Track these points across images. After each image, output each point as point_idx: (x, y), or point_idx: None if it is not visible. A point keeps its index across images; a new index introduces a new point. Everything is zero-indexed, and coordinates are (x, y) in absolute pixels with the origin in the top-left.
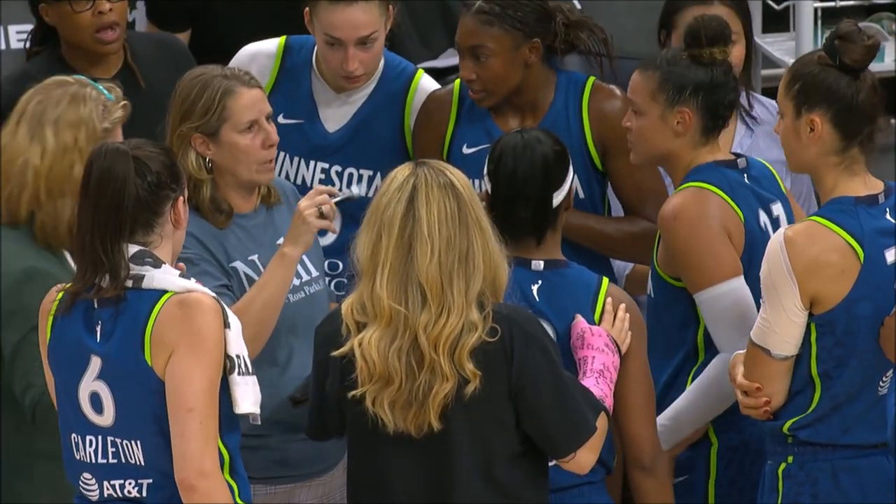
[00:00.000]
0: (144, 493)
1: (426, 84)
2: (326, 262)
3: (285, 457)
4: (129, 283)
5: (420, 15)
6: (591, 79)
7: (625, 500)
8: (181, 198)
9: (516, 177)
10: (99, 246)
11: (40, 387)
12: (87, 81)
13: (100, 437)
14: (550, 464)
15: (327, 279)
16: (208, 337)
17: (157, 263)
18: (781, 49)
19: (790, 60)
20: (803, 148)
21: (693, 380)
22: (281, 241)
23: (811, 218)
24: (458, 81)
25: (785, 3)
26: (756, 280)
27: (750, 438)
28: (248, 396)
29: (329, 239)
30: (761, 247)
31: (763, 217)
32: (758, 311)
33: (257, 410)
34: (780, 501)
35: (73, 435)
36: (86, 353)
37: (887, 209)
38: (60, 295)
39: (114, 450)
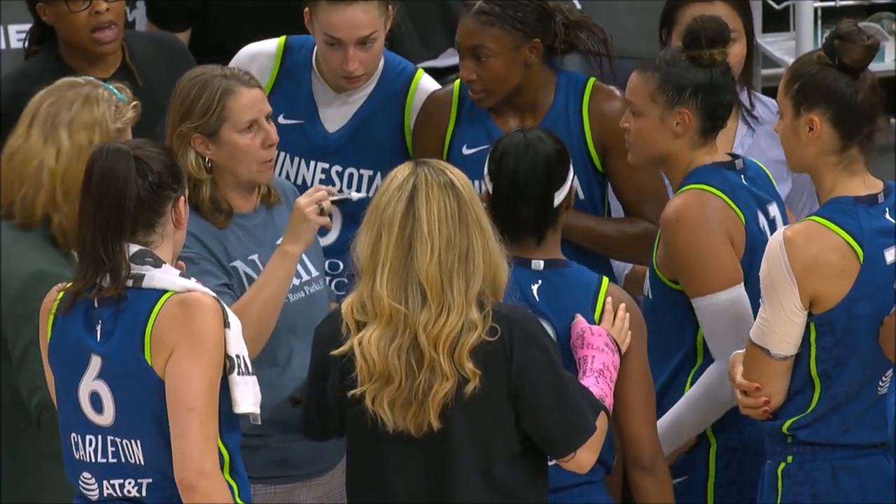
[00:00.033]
0: (144, 493)
1: (426, 84)
2: (327, 262)
3: (285, 457)
4: (130, 283)
5: (420, 15)
6: (592, 79)
7: (625, 500)
8: (182, 198)
9: (518, 176)
10: (100, 246)
11: (47, 389)
12: (98, 82)
13: (99, 437)
14: (550, 463)
15: (328, 279)
16: (208, 337)
17: (157, 263)
18: (781, 49)
19: (790, 60)
20: (802, 147)
21: (692, 382)
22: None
23: (810, 218)
24: (457, 82)
25: (785, 3)
26: (757, 282)
27: (749, 438)
28: (247, 396)
29: (329, 239)
30: (761, 248)
31: (761, 218)
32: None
33: (257, 410)
34: (779, 501)
35: (73, 434)
36: (86, 352)
37: (887, 209)
38: (61, 294)
39: (113, 449)
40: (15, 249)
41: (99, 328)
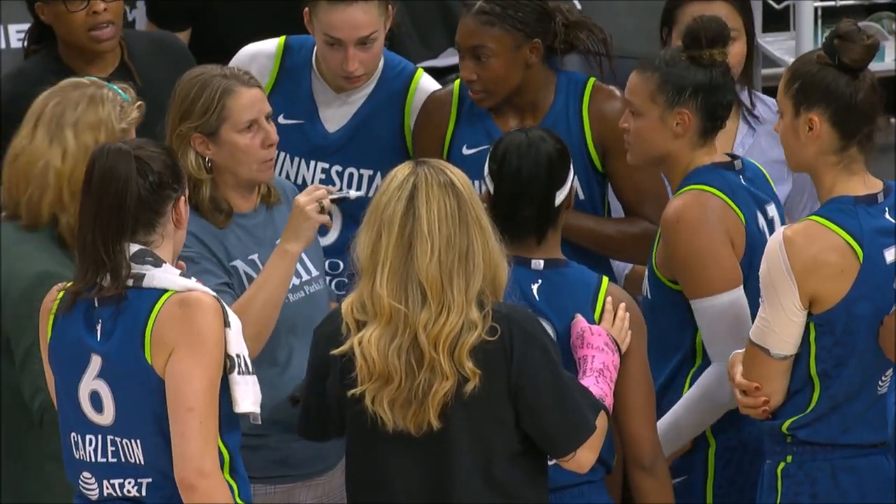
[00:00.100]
0: (144, 493)
1: (426, 83)
2: (327, 262)
3: (285, 456)
4: (130, 282)
5: (420, 15)
6: (592, 80)
7: (625, 500)
8: (182, 198)
9: (521, 175)
10: (100, 245)
11: (49, 390)
12: (102, 83)
13: (99, 436)
14: (550, 463)
15: (328, 279)
16: (208, 336)
17: (157, 263)
18: (781, 48)
19: (790, 60)
20: (802, 147)
21: (690, 383)
22: None
23: (810, 217)
24: (457, 82)
25: (785, 3)
26: (757, 282)
27: (748, 438)
28: (248, 396)
29: (330, 239)
30: (761, 249)
31: (760, 219)
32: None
33: (257, 410)
34: (778, 501)
35: (73, 434)
36: (86, 351)
37: (886, 208)
38: (61, 294)
39: (113, 449)
40: (20, 250)
41: (99, 328)
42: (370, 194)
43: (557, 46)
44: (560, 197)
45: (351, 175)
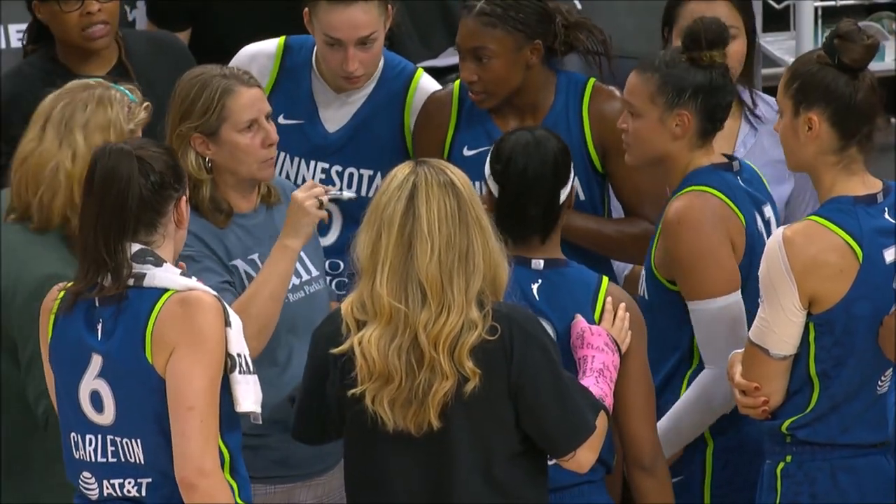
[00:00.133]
0: (144, 493)
1: (426, 83)
2: (327, 262)
3: (285, 456)
4: (131, 282)
5: (420, 15)
6: (592, 80)
7: (625, 500)
8: (184, 197)
9: (527, 175)
10: (102, 245)
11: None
12: (109, 84)
13: (99, 436)
14: (550, 463)
15: (328, 279)
16: (209, 335)
17: (158, 262)
18: (782, 48)
19: (790, 59)
20: (801, 147)
21: (688, 383)
22: None
23: (810, 217)
24: (457, 83)
25: (785, 3)
26: (757, 283)
27: (746, 439)
28: (248, 395)
29: (330, 239)
30: (760, 250)
31: (758, 220)
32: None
33: (258, 409)
34: (778, 501)
35: (73, 434)
36: (87, 351)
37: (886, 208)
38: (62, 294)
39: (113, 449)
40: (29, 252)
41: (100, 327)
42: (370, 194)
43: (557, 47)
44: (563, 196)
45: (351, 175)
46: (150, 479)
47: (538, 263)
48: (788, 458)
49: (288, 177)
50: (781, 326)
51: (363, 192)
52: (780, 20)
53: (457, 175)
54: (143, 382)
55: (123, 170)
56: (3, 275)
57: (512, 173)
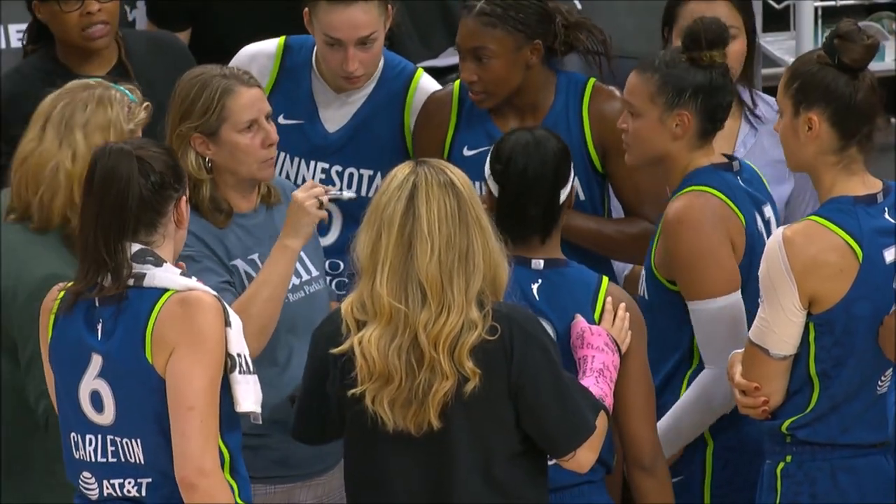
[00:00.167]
0: (143, 493)
1: (426, 83)
2: (327, 262)
3: (285, 456)
4: (131, 282)
5: (420, 15)
6: (592, 80)
7: (625, 500)
8: (183, 198)
9: (527, 175)
10: (102, 245)
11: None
12: (109, 84)
13: (99, 436)
14: (550, 463)
15: (328, 279)
16: (209, 335)
17: (158, 262)
18: (782, 48)
19: (790, 59)
20: (801, 147)
21: (688, 383)
22: None
23: (810, 217)
24: (457, 83)
25: (785, 3)
26: (757, 283)
27: (746, 439)
28: (248, 395)
29: (330, 239)
30: (760, 250)
31: (758, 220)
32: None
33: (258, 409)
34: (778, 501)
35: (73, 434)
36: (87, 351)
37: (886, 208)
38: (62, 294)
39: (113, 449)
40: (29, 252)
41: (100, 327)
42: (370, 194)
43: (557, 47)
44: (563, 196)
45: (351, 175)
46: (149, 480)
47: (538, 263)
48: (788, 458)
49: (288, 177)
50: (781, 326)
51: (363, 192)
52: (780, 20)
53: (457, 175)
54: (143, 382)
55: (123, 170)
56: (4, 275)
57: (512, 173)
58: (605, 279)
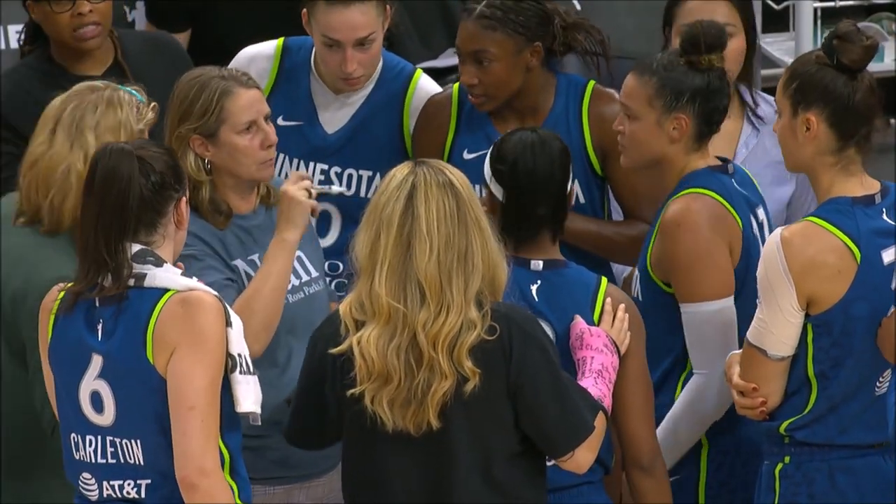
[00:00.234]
0: (143, 494)
1: (425, 84)
2: (326, 263)
3: (285, 457)
4: (132, 282)
5: (420, 15)
6: (591, 83)
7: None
8: (184, 198)
9: (536, 175)
10: (102, 246)
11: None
12: (116, 86)
13: (99, 437)
14: (549, 463)
15: (327, 280)
16: (210, 335)
17: (158, 262)
18: (781, 49)
19: (790, 60)
20: (799, 147)
21: (682, 385)
22: None
23: (808, 218)
24: (456, 86)
25: (785, 3)
26: (753, 285)
27: (742, 441)
28: (249, 395)
29: (329, 240)
30: (756, 253)
31: (753, 223)
32: (741, 330)
33: (258, 410)
34: (776, 501)
35: (73, 435)
36: (87, 351)
37: (884, 209)
38: (62, 294)
39: (112, 450)
40: (39, 255)
41: (100, 327)
42: (369, 195)
43: (556, 48)
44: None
45: (350, 176)
46: (149, 481)
47: (537, 264)
48: (787, 459)
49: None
50: (779, 327)
51: (362, 193)
52: (779, 21)
53: (456, 175)
54: (143, 382)
55: (124, 170)
56: (13, 278)
57: (521, 173)
58: (605, 280)
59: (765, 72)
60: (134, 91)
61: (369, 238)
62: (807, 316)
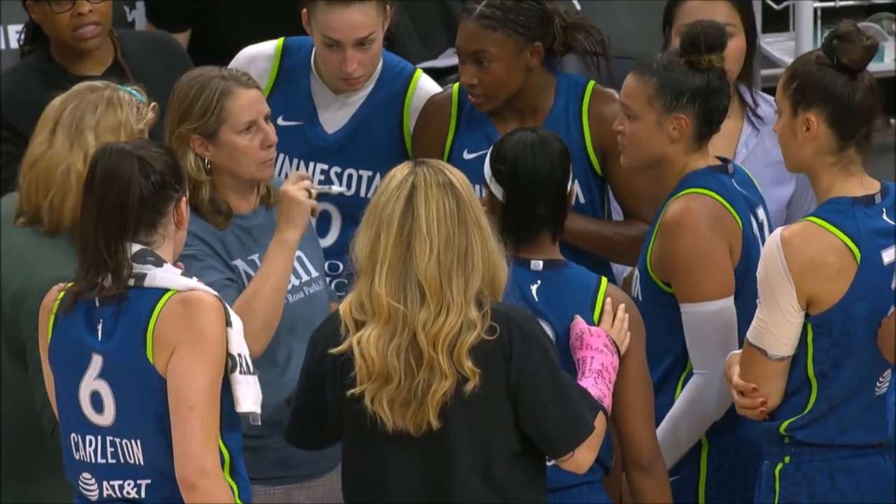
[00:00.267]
0: (143, 494)
1: (424, 84)
2: (326, 264)
3: (284, 457)
4: (132, 282)
5: (420, 15)
6: (592, 83)
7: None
8: (184, 198)
9: (537, 174)
10: (102, 246)
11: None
12: (116, 86)
13: (99, 437)
14: (549, 463)
15: (328, 279)
16: (210, 335)
17: (158, 262)
18: (781, 49)
19: (790, 60)
20: (799, 147)
21: (682, 385)
22: None
23: (807, 218)
24: (456, 86)
25: (785, 3)
26: (753, 285)
27: (742, 441)
28: (249, 395)
29: (329, 240)
30: (756, 253)
31: (753, 223)
32: (740, 331)
33: (258, 410)
34: (776, 501)
35: (73, 435)
36: (87, 351)
37: (884, 209)
38: (62, 294)
39: (112, 450)
40: (39, 255)
41: (100, 327)
42: (369, 195)
43: (556, 48)
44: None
45: (350, 176)
46: (149, 481)
47: (537, 264)
48: (787, 459)
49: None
50: (779, 327)
51: (362, 193)
52: (779, 21)
53: (455, 175)
54: (143, 382)
55: (124, 170)
56: (13, 278)
57: (521, 174)
58: (605, 280)
59: (765, 72)
60: (134, 91)
61: (369, 238)
62: (807, 316)
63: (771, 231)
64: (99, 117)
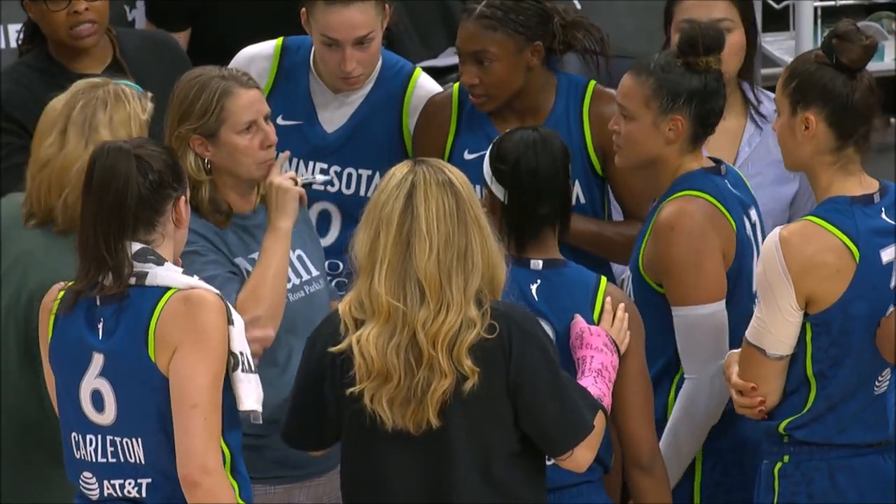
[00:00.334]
0: (144, 494)
1: (424, 83)
2: (327, 263)
3: (284, 457)
4: (133, 281)
5: (420, 14)
6: (592, 83)
7: (624, 501)
8: (183, 197)
9: (539, 174)
10: (102, 244)
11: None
12: (113, 81)
13: (99, 437)
14: (549, 462)
15: (328, 278)
16: (212, 333)
17: (159, 261)
18: (781, 48)
19: (790, 59)
20: (798, 146)
21: (676, 387)
22: None
23: (806, 218)
24: (456, 86)
25: (785, 3)
26: (747, 287)
27: (738, 441)
28: (251, 394)
29: (329, 239)
30: (749, 255)
31: (747, 224)
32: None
33: (259, 408)
34: (776, 501)
35: (74, 434)
36: (87, 350)
37: (883, 209)
38: (62, 294)
39: (112, 449)
40: (50, 255)
41: (101, 326)
42: (368, 194)
43: (556, 47)
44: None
45: (349, 175)
46: (150, 480)
47: (537, 264)
48: (786, 459)
49: None
50: (778, 327)
51: (362, 192)
52: (779, 20)
53: (455, 174)
54: (145, 381)
55: (122, 168)
56: (29, 279)
57: (523, 173)
58: (604, 279)
59: (765, 71)
60: (130, 84)
61: (369, 237)
62: (805, 315)
63: (764, 232)
64: (111, 112)
